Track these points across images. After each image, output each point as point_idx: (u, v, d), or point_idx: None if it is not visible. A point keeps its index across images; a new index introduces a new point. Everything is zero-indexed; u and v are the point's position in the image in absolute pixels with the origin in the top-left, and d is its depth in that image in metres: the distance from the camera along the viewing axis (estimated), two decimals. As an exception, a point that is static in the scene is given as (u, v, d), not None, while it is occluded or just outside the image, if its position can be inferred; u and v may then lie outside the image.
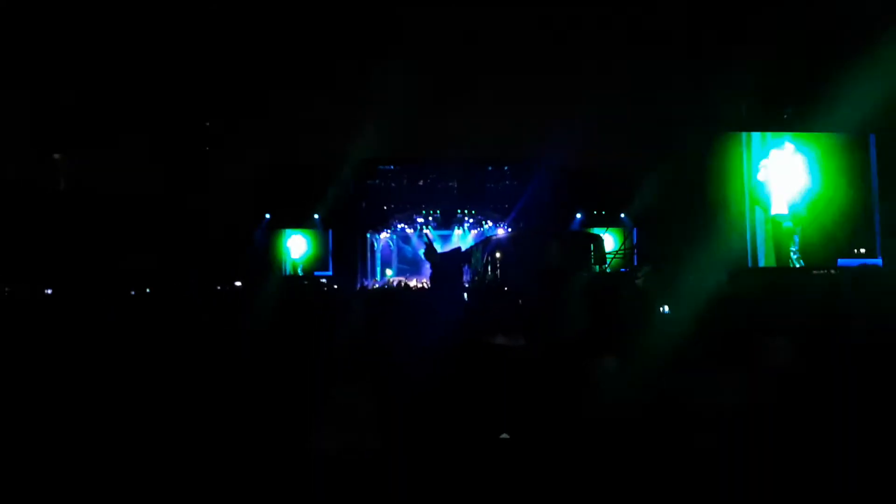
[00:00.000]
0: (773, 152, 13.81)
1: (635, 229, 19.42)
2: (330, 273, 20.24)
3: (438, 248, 24.10)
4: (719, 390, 2.65)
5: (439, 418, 2.24)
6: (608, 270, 15.74)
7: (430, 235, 22.85)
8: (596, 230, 18.11)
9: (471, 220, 23.33)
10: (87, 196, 14.04)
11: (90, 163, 14.51)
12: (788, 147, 13.81)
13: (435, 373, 2.34)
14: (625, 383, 2.77)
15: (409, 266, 24.45)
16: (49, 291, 8.64)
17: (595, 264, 14.15)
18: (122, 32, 12.87)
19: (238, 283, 11.11)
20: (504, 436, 2.20)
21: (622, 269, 16.59)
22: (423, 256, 23.78)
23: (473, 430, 2.20)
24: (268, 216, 19.24)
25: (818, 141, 13.80)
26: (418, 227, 23.82)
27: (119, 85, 13.83)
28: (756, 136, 13.82)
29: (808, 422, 2.51)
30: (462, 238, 23.62)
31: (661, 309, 6.15)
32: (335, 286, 14.35)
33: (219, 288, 11.16)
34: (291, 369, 2.36)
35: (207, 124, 16.95)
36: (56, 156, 15.12)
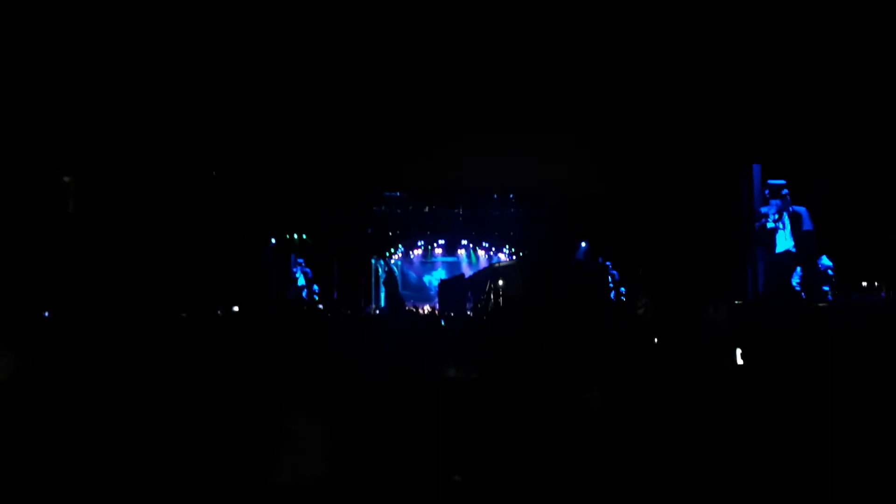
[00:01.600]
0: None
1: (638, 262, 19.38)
2: (335, 298, 20.26)
3: (442, 275, 24.09)
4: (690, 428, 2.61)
5: (385, 453, 2.21)
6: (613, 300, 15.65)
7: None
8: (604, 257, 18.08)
9: (473, 247, 23.38)
10: (94, 220, 14.15)
11: (98, 188, 14.64)
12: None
13: (383, 406, 2.32)
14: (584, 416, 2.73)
15: (413, 292, 24.44)
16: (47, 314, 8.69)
17: (596, 294, 14.09)
18: (132, 63, 13.08)
19: (236, 308, 11.13)
20: (456, 477, 2.16)
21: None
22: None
23: (422, 469, 2.17)
24: (273, 240, 19.36)
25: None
26: (424, 253, 23.89)
27: (125, 108, 14.02)
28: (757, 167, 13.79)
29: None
30: (468, 263, 23.64)
31: (657, 340, 6.10)
32: (328, 314, 14.32)
33: (219, 312, 11.16)
34: (250, 395, 2.34)
35: (215, 151, 17.11)
36: (66, 179, 15.28)
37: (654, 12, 12.58)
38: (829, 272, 11.48)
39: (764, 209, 12.64)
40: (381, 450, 2.21)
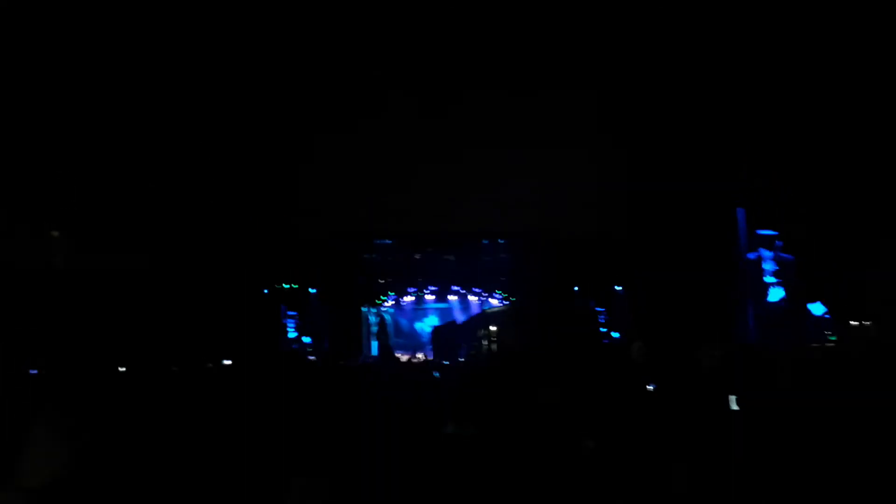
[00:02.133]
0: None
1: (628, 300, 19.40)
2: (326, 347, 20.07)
3: (434, 322, 23.98)
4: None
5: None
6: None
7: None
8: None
9: (465, 292, 23.36)
10: (81, 273, 14.04)
11: (84, 239, 14.56)
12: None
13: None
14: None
15: (405, 340, 24.25)
16: (34, 372, 8.53)
17: (588, 338, 14.05)
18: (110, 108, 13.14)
19: (228, 362, 10.96)
20: None
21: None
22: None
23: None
24: (266, 291, 19.28)
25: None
26: (415, 300, 23.82)
27: (111, 156, 14.03)
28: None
29: None
30: (460, 309, 23.56)
31: (650, 385, 6.05)
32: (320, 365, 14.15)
33: (210, 366, 10.99)
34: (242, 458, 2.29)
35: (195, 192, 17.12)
36: (54, 233, 15.23)
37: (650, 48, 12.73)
38: (826, 316, 11.59)
39: (751, 255, 12.79)
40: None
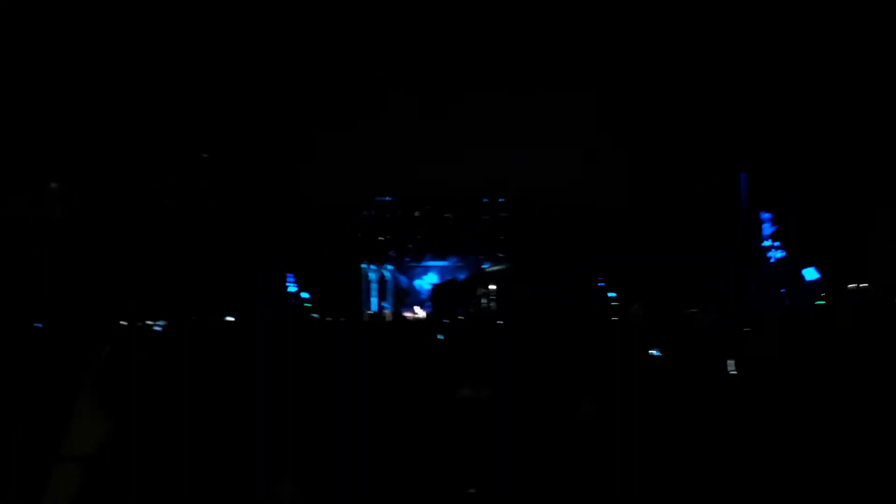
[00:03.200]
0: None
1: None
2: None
3: (434, 280, 24.14)
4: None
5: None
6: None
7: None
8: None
9: (464, 251, 23.39)
10: (81, 224, 14.04)
11: (85, 191, 14.54)
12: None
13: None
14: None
15: (404, 297, 24.44)
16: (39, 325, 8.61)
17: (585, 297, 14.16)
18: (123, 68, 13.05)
19: (229, 318, 11.04)
20: (471, 490, 2.19)
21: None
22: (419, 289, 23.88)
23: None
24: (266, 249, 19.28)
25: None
26: (415, 258, 23.89)
27: (118, 111, 13.97)
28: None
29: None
30: (459, 267, 23.67)
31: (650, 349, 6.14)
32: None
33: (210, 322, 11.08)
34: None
35: (205, 156, 17.08)
36: (53, 185, 15.17)
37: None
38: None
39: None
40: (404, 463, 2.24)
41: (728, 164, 13.94)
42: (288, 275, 19.46)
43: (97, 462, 1.69)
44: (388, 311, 22.45)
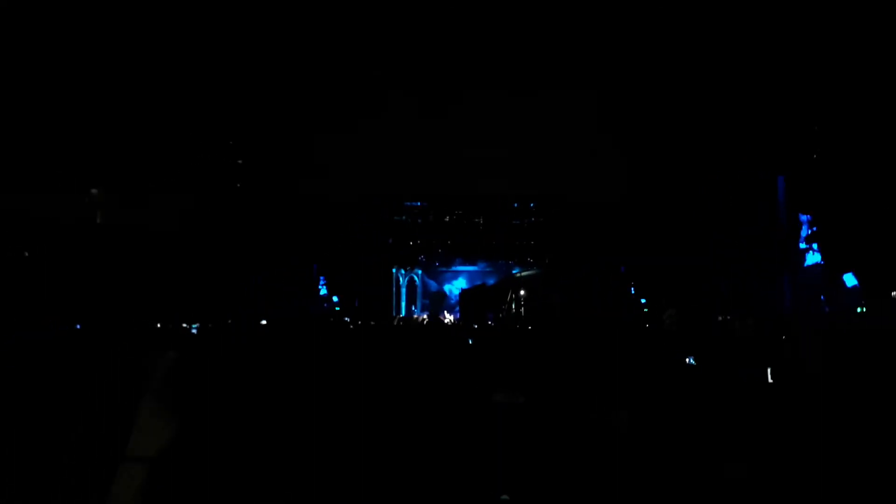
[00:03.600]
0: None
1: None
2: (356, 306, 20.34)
3: (463, 284, 24.04)
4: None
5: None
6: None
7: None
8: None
9: (494, 255, 23.31)
10: (122, 230, 14.36)
11: (126, 198, 14.88)
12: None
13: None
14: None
15: (433, 302, 24.46)
16: (78, 327, 8.84)
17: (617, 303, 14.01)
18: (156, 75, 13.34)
19: (263, 322, 11.23)
20: (504, 497, 2.18)
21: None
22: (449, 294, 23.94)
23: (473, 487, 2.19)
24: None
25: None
26: (444, 262, 23.89)
27: (149, 116, 14.29)
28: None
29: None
30: (489, 272, 23.61)
31: (685, 353, 6.04)
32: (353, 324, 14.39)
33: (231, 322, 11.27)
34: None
35: (240, 162, 17.35)
36: (94, 190, 15.55)
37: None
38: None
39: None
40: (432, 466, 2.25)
41: (764, 166, 13.70)
42: (320, 277, 19.64)
43: (161, 462, 1.73)
44: (417, 316, 22.51)
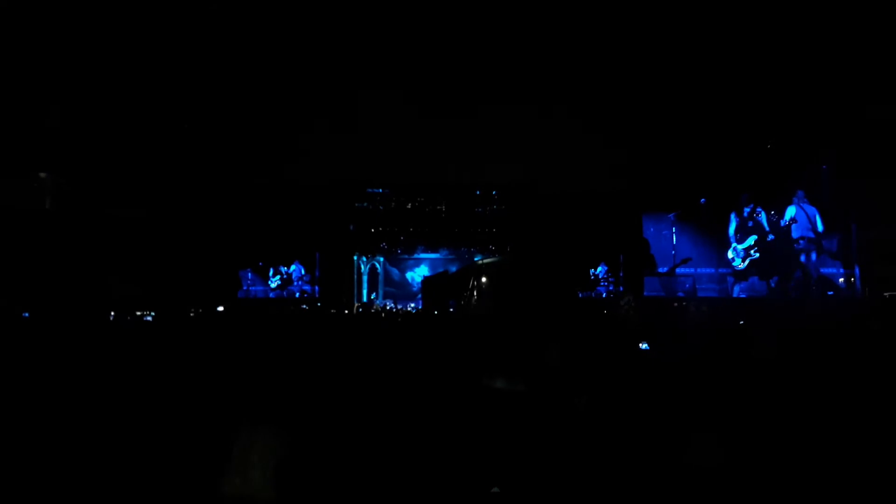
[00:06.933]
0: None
1: (621, 256, 19.55)
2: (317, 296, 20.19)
3: (425, 272, 24.08)
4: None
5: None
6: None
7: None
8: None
9: (455, 243, 23.37)
10: (72, 216, 13.93)
11: (76, 183, 14.44)
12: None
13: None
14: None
15: (396, 289, 24.41)
16: (26, 315, 8.54)
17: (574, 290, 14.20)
18: (117, 56, 12.96)
19: (220, 308, 11.04)
20: (495, 489, 2.15)
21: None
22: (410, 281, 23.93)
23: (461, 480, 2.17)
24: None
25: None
26: (406, 250, 23.83)
27: (110, 102, 13.90)
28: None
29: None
30: (451, 259, 23.66)
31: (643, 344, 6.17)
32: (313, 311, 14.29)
33: (197, 312, 11.07)
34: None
35: (195, 147, 16.96)
36: (42, 175, 15.04)
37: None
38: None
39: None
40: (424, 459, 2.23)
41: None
42: (279, 265, 19.40)
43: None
44: (377, 304, 22.45)
